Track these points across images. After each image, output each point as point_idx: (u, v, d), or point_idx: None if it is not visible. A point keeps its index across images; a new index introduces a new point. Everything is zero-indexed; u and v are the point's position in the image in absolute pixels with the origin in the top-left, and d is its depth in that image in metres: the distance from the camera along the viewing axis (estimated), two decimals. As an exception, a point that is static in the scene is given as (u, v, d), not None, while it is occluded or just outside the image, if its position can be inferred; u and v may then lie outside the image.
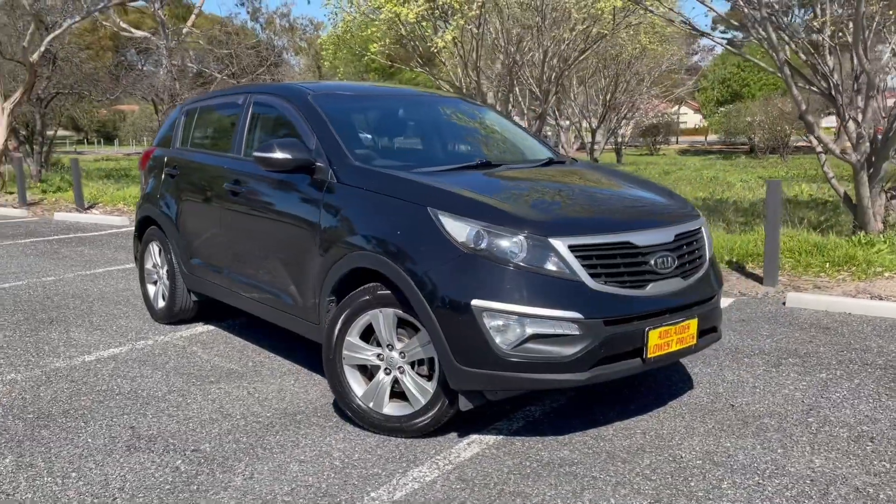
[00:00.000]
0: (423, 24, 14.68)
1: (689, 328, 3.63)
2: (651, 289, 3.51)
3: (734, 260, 8.06)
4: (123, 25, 35.15)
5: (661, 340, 3.50)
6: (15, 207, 14.63)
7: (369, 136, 4.54)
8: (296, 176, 4.14)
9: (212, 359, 4.94)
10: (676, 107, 51.36)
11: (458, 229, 3.38)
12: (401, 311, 3.54)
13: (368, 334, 3.71)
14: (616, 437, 3.70)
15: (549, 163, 4.69)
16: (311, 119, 4.28)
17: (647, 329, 3.43)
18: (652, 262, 3.52)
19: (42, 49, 16.44)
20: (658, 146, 45.13)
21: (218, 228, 4.95)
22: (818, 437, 3.68)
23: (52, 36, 16.68)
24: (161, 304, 5.78)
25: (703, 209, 11.71)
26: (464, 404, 3.49)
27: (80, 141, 58.08)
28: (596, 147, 26.06)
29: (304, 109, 4.36)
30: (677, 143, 54.13)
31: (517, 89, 17.46)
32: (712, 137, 55.88)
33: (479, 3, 13.81)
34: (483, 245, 3.34)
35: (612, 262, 3.44)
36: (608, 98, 24.75)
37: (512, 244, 3.33)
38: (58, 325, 5.79)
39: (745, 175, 21.95)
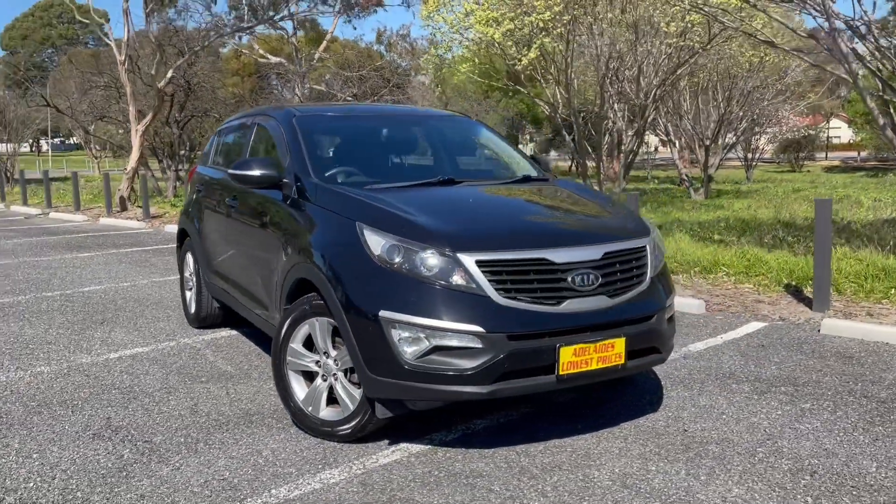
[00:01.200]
0: (509, 43, 14.84)
1: (614, 347, 3.59)
2: (567, 305, 3.51)
3: (792, 283, 7.65)
4: (262, 52, 37.62)
5: (577, 358, 3.49)
6: (138, 220, 16.04)
7: (343, 154, 4.78)
8: (272, 191, 4.46)
9: (216, 361, 5.33)
10: (825, 121, 48.25)
11: (376, 243, 3.55)
12: (334, 321, 3.74)
13: (312, 342, 3.93)
14: (543, 453, 3.71)
15: (523, 180, 4.74)
16: (289, 139, 4.59)
17: (558, 346, 3.43)
18: (570, 279, 3.53)
19: (168, 77, 17.97)
20: (801, 162, 42.48)
21: (224, 239, 5.36)
22: (754, 468, 3.53)
23: (176, 64, 18.22)
24: (193, 309, 6.27)
25: (801, 229, 11.08)
26: (381, 412, 3.63)
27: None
28: (711, 163, 25.04)
29: (287, 130, 4.68)
30: (826, 158, 50.71)
31: (616, 105, 17.20)
32: (865, 153, 51.99)
33: (566, 21, 13.83)
34: (397, 259, 3.48)
35: (524, 277, 3.48)
36: (723, 112, 23.76)
37: (422, 258, 3.45)
38: (105, 326, 6.41)
39: (882, 194, 20.38)
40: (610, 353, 3.59)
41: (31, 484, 3.39)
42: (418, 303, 3.39)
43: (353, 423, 3.72)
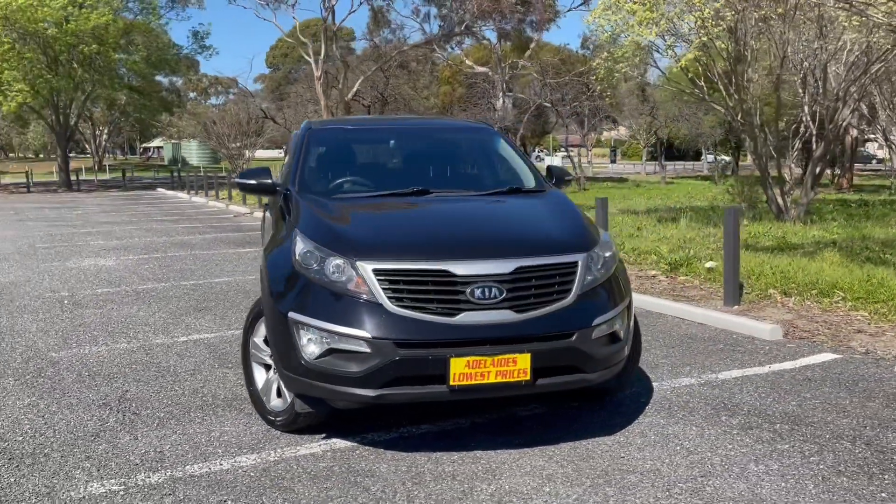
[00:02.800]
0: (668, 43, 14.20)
1: (517, 363, 3.55)
2: (463, 317, 3.54)
3: (913, 313, 6.71)
4: (469, 63, 38.99)
5: (471, 370, 3.50)
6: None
7: (335, 166, 5.08)
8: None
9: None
10: None
11: (300, 248, 3.83)
12: None
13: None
14: (454, 462, 3.75)
15: (507, 192, 4.74)
16: (295, 149, 5.02)
17: (448, 356, 3.48)
18: (469, 291, 3.55)
19: (354, 90, 19.44)
20: None
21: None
22: (650, 501, 3.32)
23: (360, 80, 19.63)
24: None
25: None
26: (299, 406, 3.90)
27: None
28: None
29: (299, 142, 5.11)
30: None
31: (807, 108, 15.73)
32: None
33: (730, 16, 13.00)
34: (312, 264, 3.74)
35: (420, 287, 3.57)
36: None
37: (328, 264, 3.68)
38: (200, 313, 7.29)
39: None
40: (511, 368, 3.55)
41: (21, 436, 4.09)
42: (320, 307, 3.62)
43: (287, 414, 4.02)
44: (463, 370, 3.50)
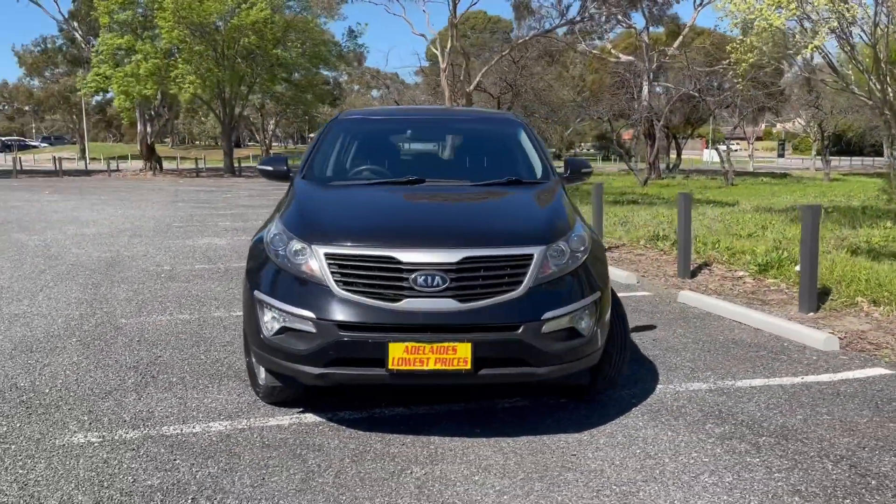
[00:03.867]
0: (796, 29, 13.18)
1: (457, 351, 3.58)
2: (405, 304, 3.62)
3: None
4: (614, 52, 38.03)
5: (410, 356, 3.58)
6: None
7: (346, 154, 5.26)
8: None
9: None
10: None
11: (272, 231, 4.06)
12: None
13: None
14: (405, 445, 3.84)
15: (505, 183, 4.71)
16: (316, 138, 5.27)
17: (387, 341, 3.57)
18: (412, 279, 3.62)
19: (475, 82, 19.60)
20: None
21: None
22: (575, 500, 3.26)
23: (484, 69, 19.73)
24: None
25: None
26: (269, 380, 4.14)
27: (558, 156, 65.16)
28: None
29: (322, 130, 5.36)
30: None
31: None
32: None
33: None
34: (278, 247, 3.95)
35: (367, 273, 3.68)
36: None
37: (290, 248, 3.87)
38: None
39: None
40: (451, 356, 3.59)
41: (48, 389, 4.62)
42: (279, 287, 3.83)
43: (266, 388, 4.28)
44: (402, 355, 3.58)
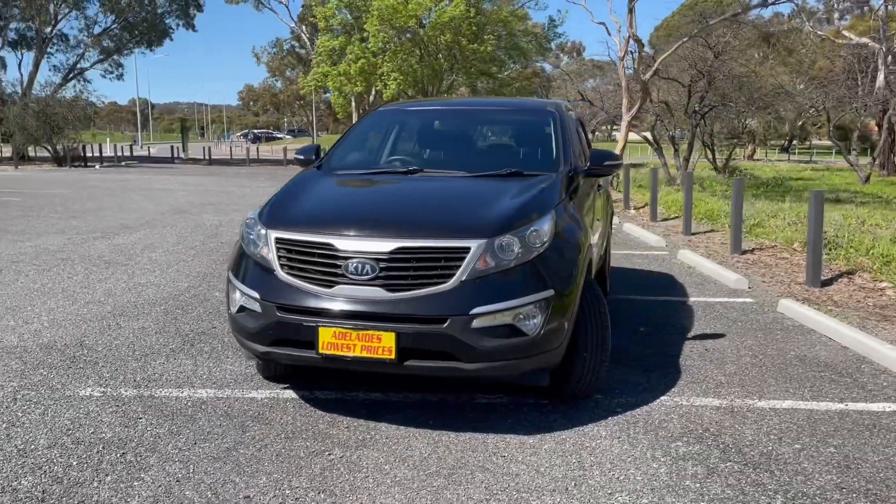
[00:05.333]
0: None
1: (381, 340, 3.61)
2: (336, 290, 3.70)
3: None
4: (846, 34, 34.44)
5: (338, 341, 3.66)
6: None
7: (369, 143, 5.37)
8: None
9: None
10: None
11: (248, 216, 4.32)
12: None
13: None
14: (349, 429, 3.93)
15: (504, 175, 4.58)
16: (350, 128, 5.49)
17: (317, 325, 3.69)
18: (346, 266, 3.70)
19: (653, 69, 18.70)
20: None
21: None
22: (463, 498, 3.18)
23: (663, 57, 18.76)
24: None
25: None
26: (246, 355, 4.41)
27: (786, 148, 59.52)
28: None
29: (357, 121, 5.57)
30: None
31: None
32: None
33: None
34: (248, 232, 4.19)
35: (307, 258, 3.81)
36: None
37: (254, 232, 4.11)
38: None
39: None
40: (376, 344, 3.62)
41: (101, 348, 5.26)
42: (241, 269, 4.09)
43: (259, 363, 4.57)
44: (331, 340, 3.68)
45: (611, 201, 7.32)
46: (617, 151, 19.65)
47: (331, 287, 3.73)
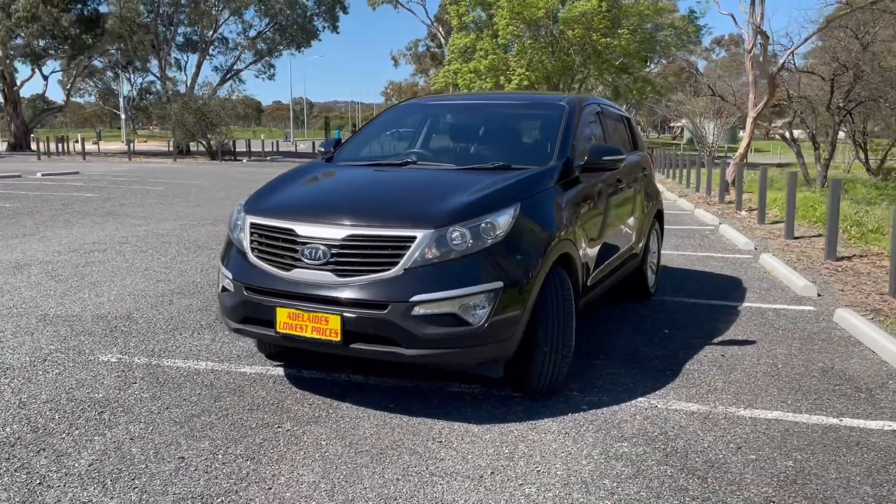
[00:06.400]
0: None
1: (328, 323, 3.79)
2: (293, 273, 3.92)
3: None
4: None
5: (292, 321, 3.88)
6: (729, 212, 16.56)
7: (379, 135, 5.56)
8: None
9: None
10: None
11: (241, 204, 4.63)
12: None
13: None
14: (311, 406, 4.14)
15: (490, 168, 4.61)
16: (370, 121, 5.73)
17: (276, 306, 3.93)
18: (302, 250, 3.91)
19: (781, 63, 17.58)
20: None
21: None
22: (362, 480, 3.32)
23: (791, 50, 17.58)
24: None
25: None
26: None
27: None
28: None
29: (378, 114, 5.79)
30: None
31: None
32: None
33: None
34: (234, 218, 4.47)
35: (272, 242, 4.05)
36: None
37: (237, 218, 4.40)
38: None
39: None
40: (324, 326, 3.80)
41: (140, 323, 5.79)
42: (225, 253, 4.41)
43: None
44: (286, 320, 3.90)
45: (658, 198, 7.06)
46: (741, 150, 18.67)
47: (289, 270, 3.95)
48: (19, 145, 45.47)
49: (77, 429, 3.78)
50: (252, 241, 4.17)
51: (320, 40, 47.86)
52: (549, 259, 4.09)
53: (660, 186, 21.66)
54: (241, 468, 3.39)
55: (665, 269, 8.47)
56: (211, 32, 45.89)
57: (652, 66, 40.58)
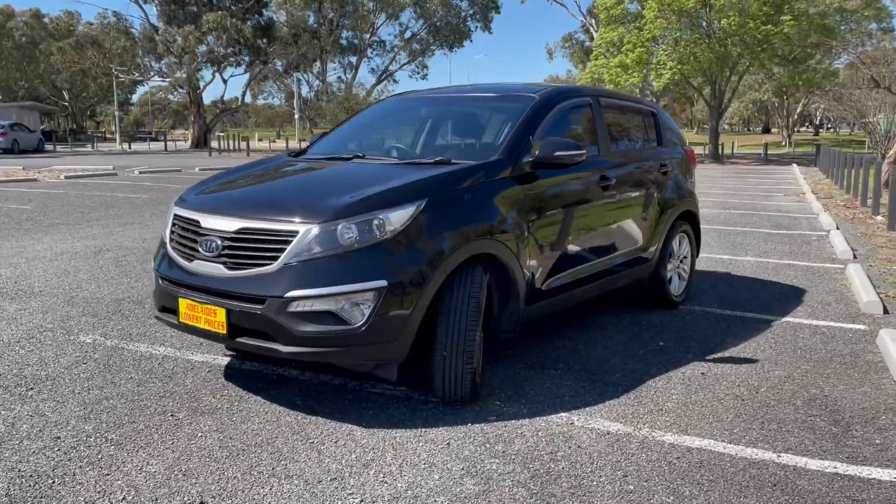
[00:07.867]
0: None
1: (216, 315, 3.80)
2: (193, 265, 3.97)
3: None
4: None
5: (190, 312, 3.94)
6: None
7: (352, 129, 5.48)
8: None
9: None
10: None
11: None
12: None
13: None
14: (227, 398, 4.18)
15: (433, 163, 4.42)
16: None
17: (178, 295, 4.01)
18: (201, 241, 3.95)
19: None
20: None
21: None
22: (204, 466, 3.30)
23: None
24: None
25: None
26: None
27: None
28: None
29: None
30: None
31: None
32: None
33: None
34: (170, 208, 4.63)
35: (183, 234, 4.13)
36: None
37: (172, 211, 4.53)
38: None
39: None
40: (213, 318, 3.82)
41: (145, 309, 6.12)
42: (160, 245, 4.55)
43: None
44: (185, 310, 3.96)
45: (689, 198, 6.43)
46: (894, 150, 16.65)
47: (191, 262, 4.00)
48: (201, 143, 49.78)
49: (16, 401, 4.04)
50: (172, 233, 4.27)
51: (472, 41, 48.30)
52: (454, 259, 3.85)
53: (807, 187, 19.84)
54: (102, 452, 3.47)
55: (728, 276, 7.75)
56: (368, 35, 47.74)
57: (842, 55, 37.10)
